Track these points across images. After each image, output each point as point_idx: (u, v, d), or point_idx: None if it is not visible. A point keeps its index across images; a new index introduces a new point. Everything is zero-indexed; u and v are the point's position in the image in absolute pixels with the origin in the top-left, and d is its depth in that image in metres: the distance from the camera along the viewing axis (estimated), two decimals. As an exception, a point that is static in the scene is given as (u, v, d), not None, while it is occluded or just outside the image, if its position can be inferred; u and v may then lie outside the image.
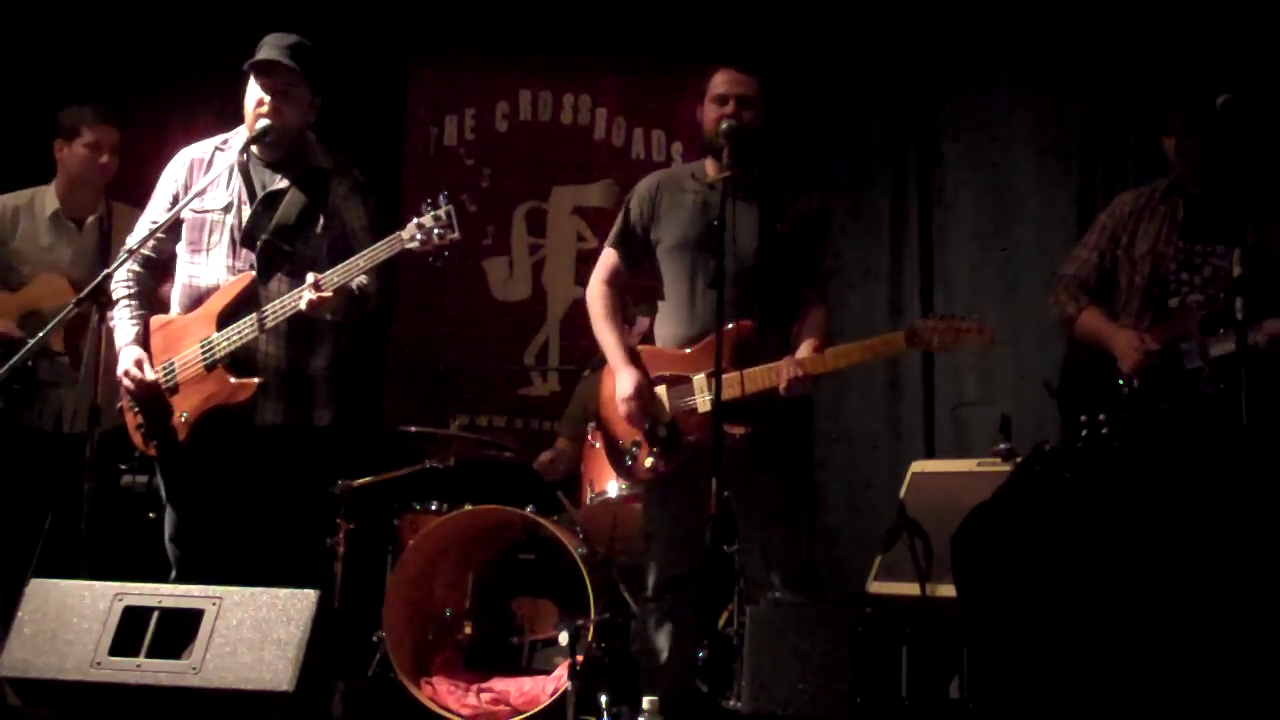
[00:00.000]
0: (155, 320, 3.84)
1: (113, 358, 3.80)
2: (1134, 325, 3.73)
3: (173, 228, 3.82)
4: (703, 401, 3.70)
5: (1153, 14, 5.40)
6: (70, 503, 3.77)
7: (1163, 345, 3.66)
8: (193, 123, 5.38)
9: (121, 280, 3.86)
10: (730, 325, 3.59)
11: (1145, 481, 4.12)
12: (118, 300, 3.84)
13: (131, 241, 3.86)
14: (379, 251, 3.57)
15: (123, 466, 4.51)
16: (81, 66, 5.60)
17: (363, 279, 3.67)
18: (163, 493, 3.84)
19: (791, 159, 5.75)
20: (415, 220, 3.55)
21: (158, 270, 3.90)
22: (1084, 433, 3.65)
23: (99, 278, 3.58)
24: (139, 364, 3.75)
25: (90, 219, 4.56)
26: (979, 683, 4.11)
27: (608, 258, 3.97)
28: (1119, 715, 3.78)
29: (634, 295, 4.47)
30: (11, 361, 3.64)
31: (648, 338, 4.16)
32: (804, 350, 3.69)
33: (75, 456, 3.64)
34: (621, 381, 3.77)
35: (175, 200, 3.84)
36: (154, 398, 3.76)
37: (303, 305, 3.56)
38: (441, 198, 3.61)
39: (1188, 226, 3.74)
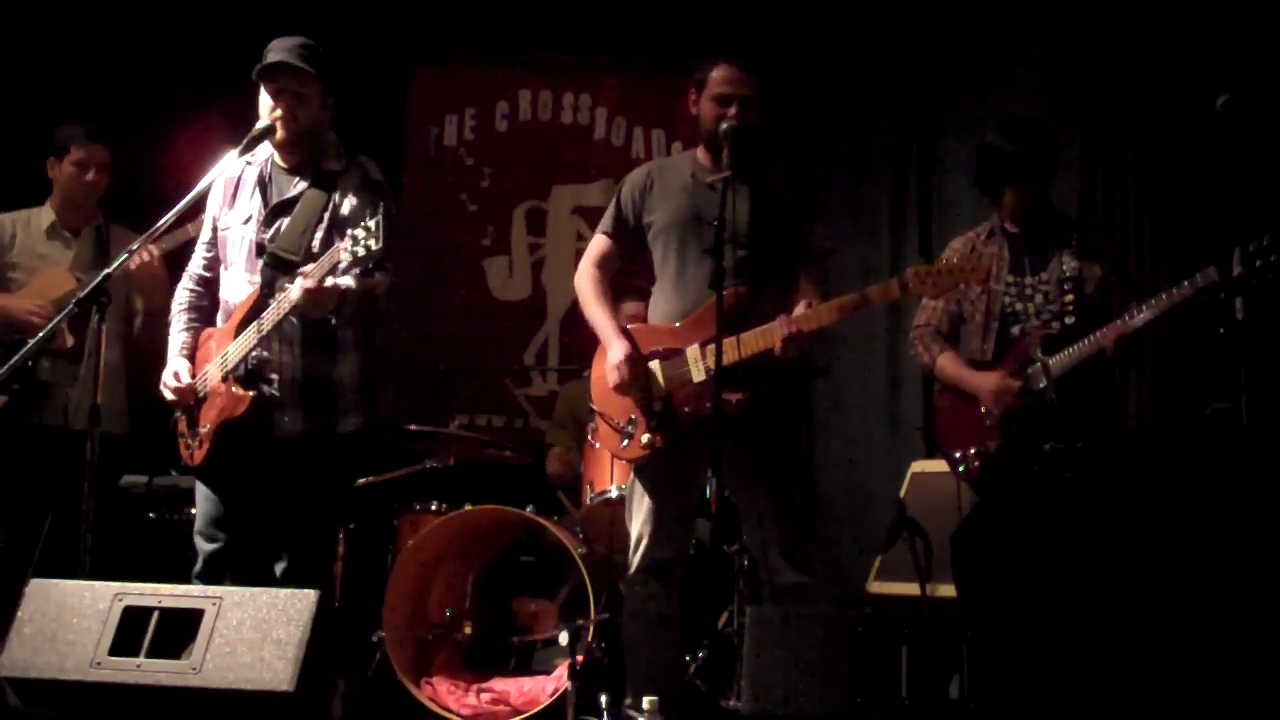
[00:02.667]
0: (205, 333, 3.88)
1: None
2: (981, 357, 4.03)
3: (216, 245, 3.86)
4: (697, 371, 3.70)
5: (1152, 15, 5.40)
6: (71, 502, 3.77)
7: (1022, 383, 3.93)
8: (193, 137, 5.41)
9: (178, 297, 3.94)
10: (727, 291, 3.57)
11: (1144, 482, 4.12)
12: (173, 316, 3.92)
13: (191, 267, 3.95)
14: (322, 264, 3.53)
15: (173, 471, 4.52)
16: (81, 84, 5.62)
17: (367, 277, 3.66)
18: (196, 491, 3.85)
19: (791, 159, 5.77)
20: (350, 231, 3.50)
21: (211, 286, 3.91)
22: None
23: (99, 277, 3.58)
24: (176, 376, 3.80)
25: (86, 229, 4.61)
26: (979, 683, 4.11)
27: (599, 243, 3.98)
28: (1118, 714, 3.78)
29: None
30: (12, 361, 3.64)
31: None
32: (797, 310, 3.67)
33: (76, 455, 3.64)
34: (612, 352, 3.78)
35: (215, 224, 3.87)
36: (191, 409, 3.80)
37: (295, 296, 3.54)
38: (379, 205, 3.61)
39: (1014, 263, 4.04)
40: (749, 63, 3.83)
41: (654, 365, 3.77)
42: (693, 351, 3.72)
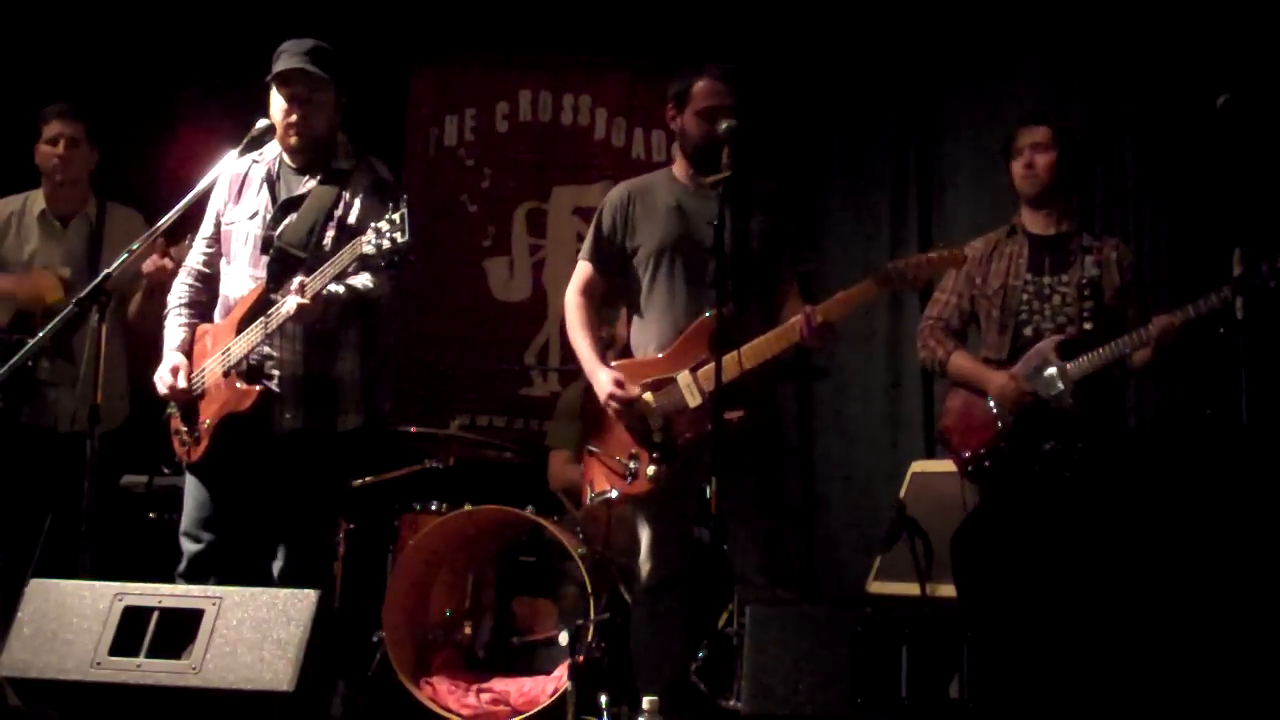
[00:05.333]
0: (201, 328, 3.88)
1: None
2: (995, 355, 4.02)
3: (218, 240, 3.86)
4: (692, 396, 3.69)
5: (1152, 14, 5.40)
6: (70, 503, 3.77)
7: (1031, 386, 3.93)
8: (195, 133, 5.40)
9: (175, 291, 3.93)
10: (707, 315, 3.62)
11: (1144, 482, 4.12)
12: (170, 310, 3.91)
13: (189, 261, 3.93)
14: (343, 258, 3.53)
15: (165, 469, 4.52)
16: (82, 71, 5.61)
17: (367, 280, 3.66)
18: (185, 489, 3.84)
19: (791, 159, 5.78)
20: (373, 225, 3.50)
21: (210, 281, 3.91)
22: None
23: (99, 277, 3.58)
24: (174, 371, 3.78)
25: (76, 217, 4.59)
26: (979, 683, 4.11)
27: (581, 270, 3.96)
28: (1118, 715, 3.78)
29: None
30: (12, 361, 3.64)
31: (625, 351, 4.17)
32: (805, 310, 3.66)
33: (75, 456, 3.64)
34: (599, 383, 3.78)
35: (218, 219, 3.87)
36: (189, 404, 3.79)
37: (289, 309, 3.55)
38: (400, 200, 3.58)
39: (1033, 262, 4.03)
40: (730, 73, 3.83)
41: (646, 398, 3.76)
42: (684, 377, 3.71)
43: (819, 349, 3.70)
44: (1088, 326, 3.91)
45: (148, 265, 4.23)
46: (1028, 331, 3.98)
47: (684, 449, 3.71)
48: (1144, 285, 4.18)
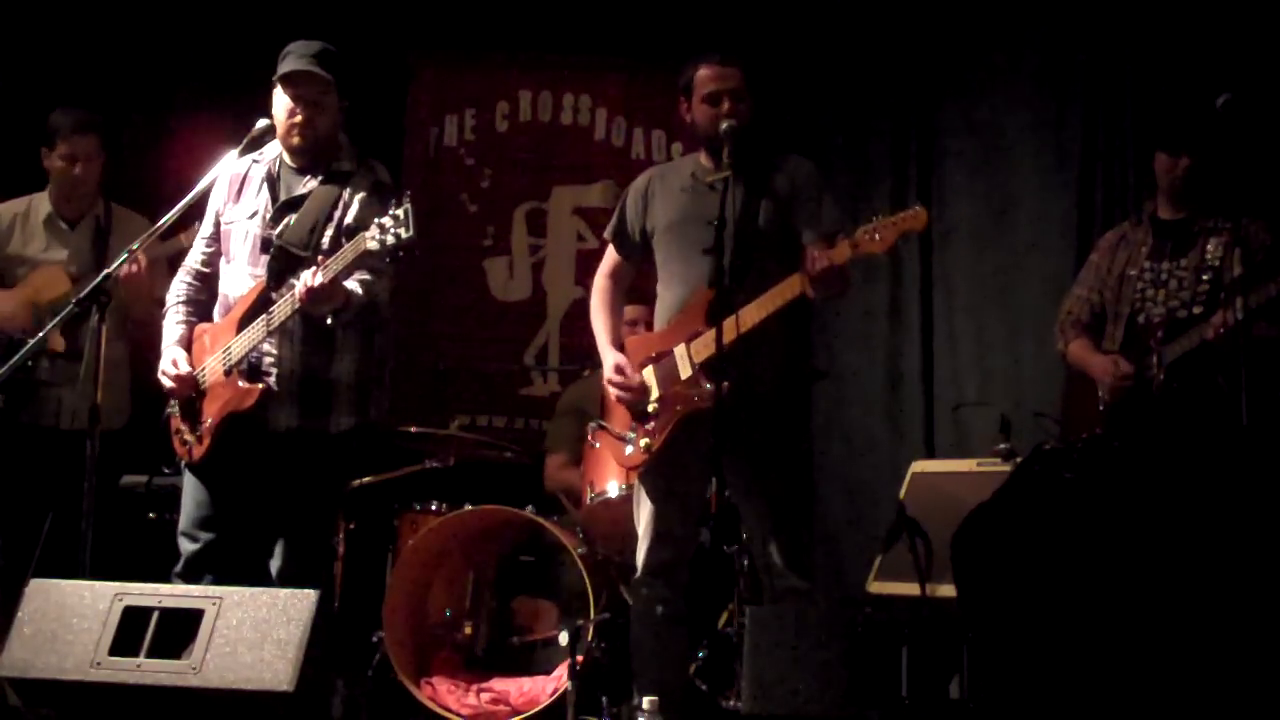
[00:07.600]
0: (199, 328, 3.88)
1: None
2: (1111, 345, 4.05)
3: (218, 240, 3.86)
4: (685, 368, 3.72)
5: (1152, 14, 5.41)
6: (70, 502, 3.77)
7: (1134, 365, 3.95)
8: (193, 125, 5.41)
9: (174, 290, 3.93)
10: (701, 289, 3.64)
11: (1145, 481, 4.13)
12: (169, 308, 3.91)
13: (189, 260, 3.94)
14: (345, 254, 3.53)
15: (165, 469, 4.51)
16: (81, 70, 5.62)
17: (371, 281, 3.66)
18: (184, 489, 3.84)
19: (790, 150, 5.76)
20: (376, 221, 3.50)
21: (209, 281, 3.92)
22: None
23: (99, 277, 3.59)
24: (175, 363, 3.79)
25: (85, 219, 4.59)
26: (979, 683, 4.11)
27: (607, 254, 4.06)
28: (1119, 715, 3.78)
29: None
30: (12, 361, 3.65)
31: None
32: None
33: (76, 456, 3.64)
34: (605, 365, 3.87)
35: (218, 218, 3.87)
36: (189, 402, 3.79)
37: (300, 289, 3.54)
38: (404, 196, 3.57)
39: (1155, 248, 4.04)
40: (729, 56, 3.84)
41: (648, 371, 3.82)
42: (680, 350, 3.75)
43: (832, 295, 3.65)
44: (1198, 310, 3.88)
45: (122, 271, 4.24)
46: (1141, 320, 3.99)
47: (676, 421, 3.72)
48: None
